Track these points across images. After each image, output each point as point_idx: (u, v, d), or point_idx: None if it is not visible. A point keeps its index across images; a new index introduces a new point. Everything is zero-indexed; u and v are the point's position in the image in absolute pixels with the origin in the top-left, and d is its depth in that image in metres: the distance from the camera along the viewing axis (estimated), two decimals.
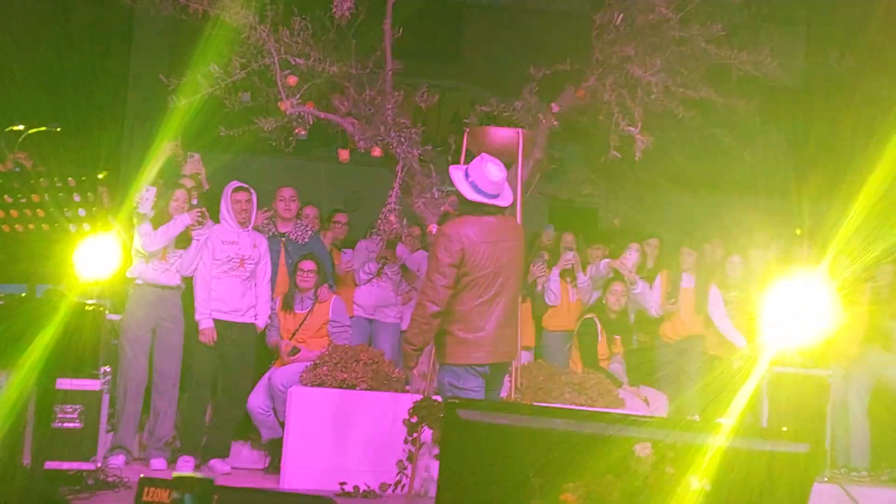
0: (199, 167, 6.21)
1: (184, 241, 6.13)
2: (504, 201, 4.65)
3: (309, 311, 6.41)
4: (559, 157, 6.41)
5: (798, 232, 7.24)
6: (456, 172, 4.68)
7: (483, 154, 4.76)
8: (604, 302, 6.93)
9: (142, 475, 3.54)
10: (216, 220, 6.30)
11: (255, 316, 6.29)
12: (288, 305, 6.43)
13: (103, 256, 3.99)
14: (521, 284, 5.28)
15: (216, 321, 6.14)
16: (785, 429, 5.71)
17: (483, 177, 4.55)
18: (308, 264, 6.40)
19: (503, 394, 5.05)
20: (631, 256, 7.01)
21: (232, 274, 6.21)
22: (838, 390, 6.97)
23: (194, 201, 6.18)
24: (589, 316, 6.92)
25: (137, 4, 6.03)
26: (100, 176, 3.66)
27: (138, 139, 7.47)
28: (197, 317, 6.13)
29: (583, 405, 5.90)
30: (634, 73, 5.72)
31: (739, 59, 5.87)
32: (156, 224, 6.04)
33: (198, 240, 6.11)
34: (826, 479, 6.35)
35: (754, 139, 6.51)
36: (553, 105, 6.04)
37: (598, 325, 6.84)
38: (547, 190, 7.80)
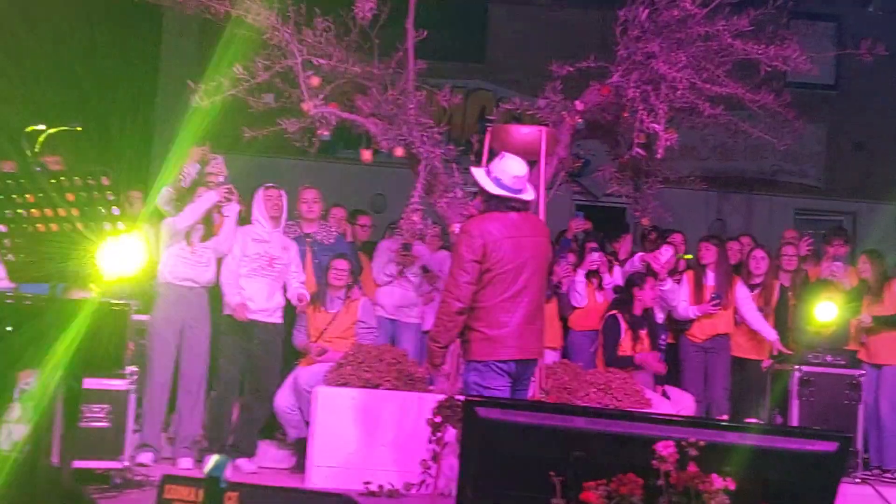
0: (221, 169, 6.25)
1: (209, 233, 6.18)
2: (528, 195, 4.63)
3: (339, 311, 6.42)
4: (584, 156, 6.33)
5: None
6: (477, 170, 4.68)
7: (503, 152, 4.75)
8: (628, 300, 6.87)
9: (164, 473, 3.57)
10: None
11: (286, 288, 6.29)
12: (317, 302, 6.45)
13: (129, 254, 4.01)
14: (547, 282, 5.24)
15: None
16: (814, 428, 5.63)
17: (505, 171, 4.55)
18: (342, 263, 6.44)
19: (528, 394, 5.01)
20: (665, 252, 6.99)
21: (261, 273, 6.24)
22: (870, 389, 6.87)
23: (220, 178, 6.21)
24: (612, 312, 6.86)
25: (165, 3, 6.06)
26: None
27: (167, 139, 7.53)
28: (226, 299, 6.15)
29: (608, 405, 5.85)
30: (659, 70, 5.65)
31: (767, 55, 5.77)
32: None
33: (228, 216, 6.15)
34: (858, 481, 6.27)
35: (784, 136, 6.40)
36: (577, 103, 5.98)
37: (622, 324, 6.78)
38: (572, 188, 7.74)
